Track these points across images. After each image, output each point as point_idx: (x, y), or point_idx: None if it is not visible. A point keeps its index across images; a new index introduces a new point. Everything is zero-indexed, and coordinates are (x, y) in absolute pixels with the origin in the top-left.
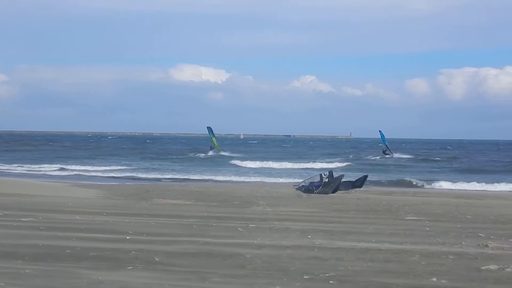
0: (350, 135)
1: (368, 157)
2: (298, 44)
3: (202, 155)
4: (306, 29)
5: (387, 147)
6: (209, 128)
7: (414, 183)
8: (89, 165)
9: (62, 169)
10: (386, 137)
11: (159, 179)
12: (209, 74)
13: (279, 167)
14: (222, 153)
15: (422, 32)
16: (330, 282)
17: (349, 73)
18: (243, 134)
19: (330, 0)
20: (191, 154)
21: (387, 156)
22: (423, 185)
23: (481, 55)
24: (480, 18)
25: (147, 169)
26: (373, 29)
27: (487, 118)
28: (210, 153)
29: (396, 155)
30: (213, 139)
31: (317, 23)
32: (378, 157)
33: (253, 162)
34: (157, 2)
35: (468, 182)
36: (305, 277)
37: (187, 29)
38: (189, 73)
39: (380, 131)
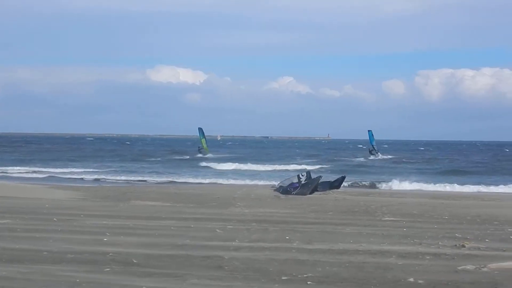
0: (328, 136)
1: (350, 158)
2: (276, 45)
3: (187, 157)
4: (283, 30)
5: (374, 147)
6: (200, 129)
7: (389, 184)
8: (67, 167)
9: (37, 171)
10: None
11: (137, 181)
12: (187, 75)
13: (258, 169)
14: (209, 154)
15: (399, 34)
16: (308, 283)
17: (328, 74)
18: (220, 136)
19: (309, 1)
20: (176, 157)
21: (372, 156)
22: (399, 187)
23: (457, 56)
24: (456, 19)
25: (124, 171)
26: (351, 30)
27: (464, 119)
28: (199, 154)
29: (381, 156)
30: (203, 140)
31: (295, 24)
32: (361, 158)
33: (231, 163)
34: (135, 3)
35: (447, 183)
36: (283, 278)
37: (165, 30)
38: (167, 74)
39: (369, 131)
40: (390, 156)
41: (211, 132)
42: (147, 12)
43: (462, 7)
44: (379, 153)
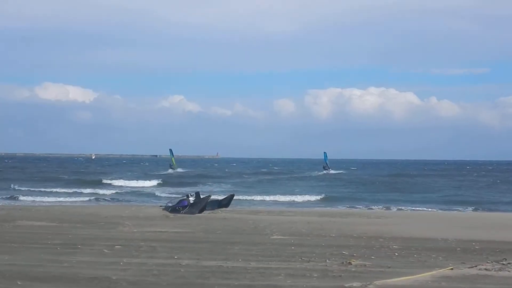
0: (217, 155)
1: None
2: (166, 64)
3: (163, 171)
4: (172, 48)
5: (327, 164)
6: (170, 150)
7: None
8: None
9: None
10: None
11: (22, 200)
12: (77, 94)
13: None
14: (179, 169)
15: (288, 53)
16: None
17: (219, 94)
18: (94, 154)
19: (192, 21)
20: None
21: (325, 171)
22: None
23: (345, 76)
24: (343, 40)
25: (8, 191)
26: (241, 48)
27: (351, 137)
28: (169, 170)
29: (332, 171)
30: (173, 159)
31: (186, 41)
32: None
33: (118, 185)
34: (20, 18)
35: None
36: None
37: (52, 46)
38: (56, 92)
39: (324, 152)
40: (341, 171)
41: (105, 151)
42: (33, 28)
43: (348, 28)
44: (330, 169)
